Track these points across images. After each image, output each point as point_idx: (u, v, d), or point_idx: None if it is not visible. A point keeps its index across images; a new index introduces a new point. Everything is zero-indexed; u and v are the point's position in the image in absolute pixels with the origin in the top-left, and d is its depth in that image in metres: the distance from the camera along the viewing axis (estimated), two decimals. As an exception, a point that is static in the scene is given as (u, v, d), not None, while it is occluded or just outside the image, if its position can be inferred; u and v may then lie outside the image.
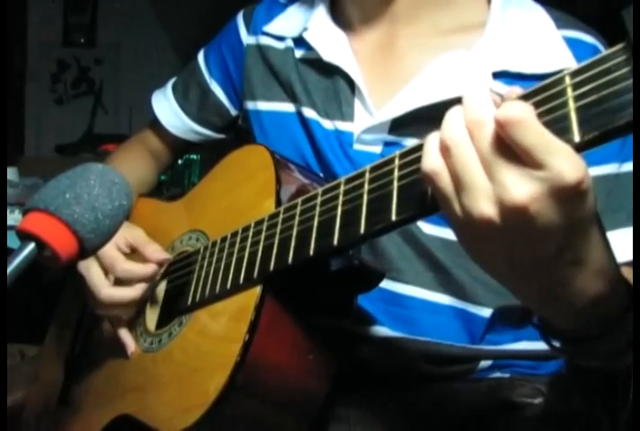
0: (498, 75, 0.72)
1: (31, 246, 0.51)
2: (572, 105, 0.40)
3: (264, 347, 0.61)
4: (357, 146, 0.77)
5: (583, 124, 0.39)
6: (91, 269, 0.79)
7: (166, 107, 0.99)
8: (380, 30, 0.81)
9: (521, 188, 0.39)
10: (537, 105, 0.41)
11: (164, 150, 1.04)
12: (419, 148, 0.49)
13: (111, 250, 0.78)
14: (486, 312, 0.76)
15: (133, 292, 0.77)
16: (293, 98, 0.84)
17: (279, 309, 0.63)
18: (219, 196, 0.80)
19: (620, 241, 0.63)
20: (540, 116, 0.40)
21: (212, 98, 0.96)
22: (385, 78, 0.79)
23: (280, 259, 0.61)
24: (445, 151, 0.42)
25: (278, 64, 0.86)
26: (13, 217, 1.64)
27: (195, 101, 0.97)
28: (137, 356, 0.78)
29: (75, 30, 3.18)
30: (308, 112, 0.81)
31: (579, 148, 0.39)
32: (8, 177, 1.87)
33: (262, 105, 0.87)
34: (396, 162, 0.51)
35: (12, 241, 0.59)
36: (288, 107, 0.85)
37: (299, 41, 0.84)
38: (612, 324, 0.50)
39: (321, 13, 0.84)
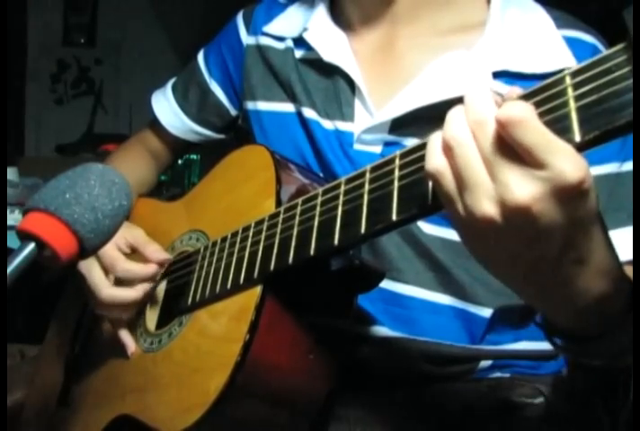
0: (498, 75, 0.72)
1: (31, 246, 0.51)
2: (572, 105, 0.40)
3: (265, 346, 0.61)
4: (357, 146, 0.77)
5: (584, 124, 0.39)
6: (91, 269, 0.79)
7: (166, 107, 0.99)
8: (380, 31, 0.81)
9: (523, 188, 0.39)
10: (537, 105, 0.41)
11: (163, 150, 1.04)
12: (419, 148, 0.49)
13: (111, 250, 0.78)
14: (486, 312, 0.76)
15: (134, 292, 0.77)
16: (293, 98, 0.84)
17: (279, 309, 0.63)
18: (219, 196, 0.80)
19: (622, 241, 0.63)
20: (541, 116, 0.40)
21: (212, 98, 0.96)
22: (385, 78, 0.79)
23: (280, 258, 0.61)
24: (448, 150, 0.42)
25: (278, 64, 0.86)
26: (13, 217, 1.64)
27: (195, 101, 0.97)
28: (137, 357, 0.78)
29: (75, 30, 3.18)
30: (308, 112, 0.81)
31: (579, 148, 0.39)
32: (8, 177, 1.87)
33: (262, 105, 0.87)
34: (397, 161, 0.51)
35: (12, 241, 0.59)
36: (288, 107, 0.85)
37: (299, 41, 0.84)
38: (616, 323, 0.50)
39: (321, 13, 0.84)
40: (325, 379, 0.66)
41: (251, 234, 0.66)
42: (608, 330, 0.50)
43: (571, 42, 0.73)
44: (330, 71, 0.80)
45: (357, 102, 0.78)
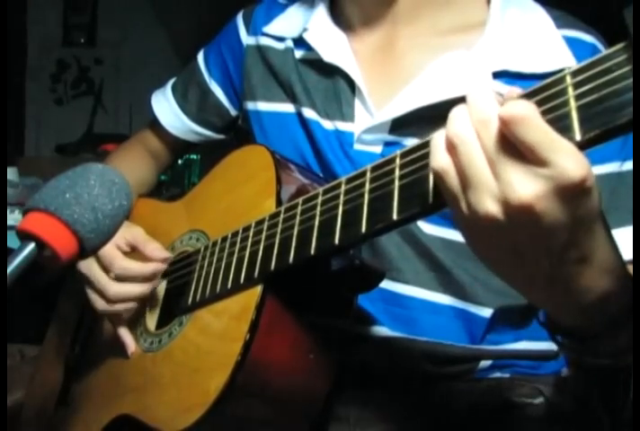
0: (498, 75, 0.73)
1: (31, 246, 0.51)
2: (573, 104, 0.40)
3: (265, 346, 0.61)
4: (357, 146, 0.77)
5: (584, 123, 0.39)
6: (92, 269, 0.79)
7: (166, 107, 0.99)
8: (380, 31, 0.81)
9: (526, 186, 0.39)
10: (538, 104, 0.41)
11: (163, 150, 1.04)
12: (420, 147, 0.49)
13: (109, 249, 0.78)
14: (487, 312, 0.76)
15: (141, 288, 0.77)
16: (293, 98, 0.84)
17: (279, 308, 0.63)
18: (220, 196, 0.80)
19: (624, 240, 0.63)
20: (541, 115, 0.40)
21: (212, 98, 0.96)
22: (385, 78, 0.79)
23: (280, 258, 0.61)
24: (451, 148, 0.42)
25: (278, 64, 0.86)
26: (13, 217, 1.64)
27: (195, 101, 0.97)
28: (137, 356, 0.78)
29: (75, 30, 3.18)
30: (308, 113, 0.81)
31: (580, 147, 0.39)
32: (8, 177, 1.87)
33: (262, 105, 0.87)
34: (397, 161, 0.51)
35: (12, 241, 0.59)
36: (288, 107, 0.85)
37: (299, 42, 0.84)
38: (619, 321, 0.50)
39: (321, 13, 0.84)
40: (325, 379, 0.66)
41: (251, 234, 0.66)
42: (612, 329, 0.50)
43: (571, 42, 0.73)
44: (330, 71, 0.80)
45: (357, 102, 0.78)
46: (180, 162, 2.11)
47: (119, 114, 3.20)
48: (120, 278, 0.78)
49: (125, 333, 0.80)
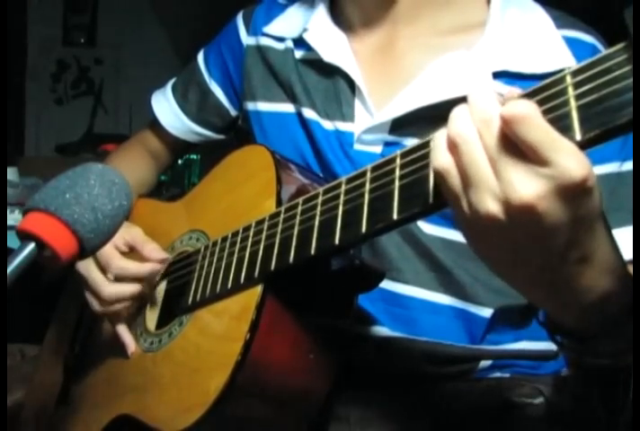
0: (498, 75, 0.73)
1: (31, 246, 0.51)
2: (573, 104, 0.40)
3: (265, 346, 0.61)
4: (357, 147, 0.77)
5: (584, 122, 0.39)
6: (89, 269, 0.79)
7: (166, 107, 0.99)
8: (380, 31, 0.81)
9: (528, 185, 0.39)
10: (538, 104, 0.41)
11: (163, 150, 1.04)
12: (420, 147, 0.49)
13: (107, 249, 0.78)
14: (487, 312, 0.76)
15: (134, 287, 0.78)
16: (293, 98, 0.84)
17: (279, 308, 0.63)
18: (220, 196, 0.80)
19: (623, 240, 0.64)
20: (542, 114, 0.40)
21: (212, 98, 0.96)
22: (385, 78, 0.79)
23: (281, 258, 0.61)
24: (453, 147, 0.42)
25: (278, 64, 0.86)
26: (13, 217, 1.64)
27: (195, 101, 0.97)
28: (137, 356, 0.78)
29: (75, 30, 3.18)
30: (308, 113, 0.81)
31: (580, 147, 0.40)
32: (8, 177, 1.87)
33: (263, 106, 0.87)
34: (398, 161, 0.51)
35: (12, 241, 0.59)
36: (289, 107, 0.85)
37: (299, 42, 0.84)
38: (620, 321, 0.50)
39: (321, 13, 0.84)
40: (326, 379, 0.66)
41: (251, 234, 0.66)
42: (612, 329, 0.50)
43: (570, 42, 0.73)
44: (330, 71, 0.80)
45: (357, 103, 0.78)
46: (180, 162, 2.10)
47: (119, 114, 3.20)
48: (118, 278, 0.78)
49: (125, 333, 0.80)
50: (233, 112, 0.96)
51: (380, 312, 0.76)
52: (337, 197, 0.56)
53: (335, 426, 0.74)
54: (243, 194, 0.75)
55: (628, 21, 0.38)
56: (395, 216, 0.49)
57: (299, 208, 0.61)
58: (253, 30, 0.91)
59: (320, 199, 0.59)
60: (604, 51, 0.40)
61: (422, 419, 0.75)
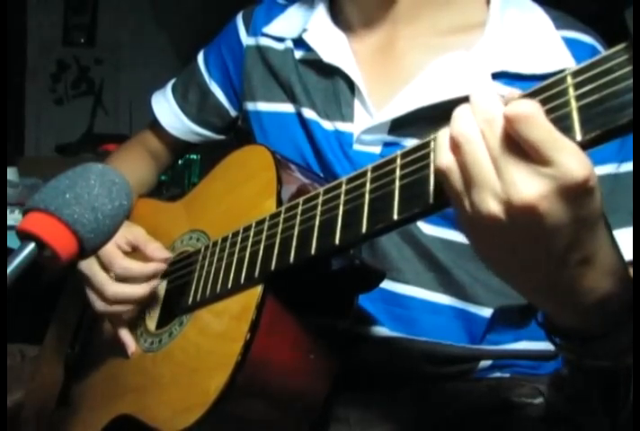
0: (497, 76, 0.72)
1: (31, 246, 0.51)
2: (573, 104, 0.40)
3: (265, 346, 0.61)
4: (356, 147, 0.77)
5: (585, 123, 0.39)
6: (92, 268, 0.79)
7: (166, 108, 0.99)
8: (380, 31, 0.81)
9: (530, 186, 0.39)
10: (539, 104, 0.41)
11: (163, 151, 1.04)
12: (420, 148, 0.49)
13: (110, 248, 0.78)
14: (486, 312, 0.76)
15: (140, 289, 0.77)
16: (293, 99, 0.84)
17: (280, 308, 0.63)
18: (220, 196, 0.80)
19: (621, 241, 0.64)
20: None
21: (212, 99, 0.96)
22: (385, 79, 0.79)
23: (281, 258, 0.61)
24: (455, 147, 0.42)
25: (277, 65, 0.86)
26: (13, 217, 1.64)
27: (195, 102, 0.97)
28: (137, 356, 0.78)
29: (75, 30, 3.18)
30: (308, 113, 0.81)
31: (581, 147, 0.40)
32: (8, 177, 1.87)
33: (262, 106, 0.87)
34: (398, 161, 0.51)
35: (12, 241, 0.59)
36: (288, 108, 0.85)
37: (299, 42, 0.84)
38: (622, 320, 0.50)
39: (320, 13, 0.84)
40: (325, 379, 0.66)
41: (252, 234, 0.66)
42: (612, 330, 0.50)
43: (570, 43, 0.73)
44: (330, 72, 0.80)
45: (356, 103, 0.78)
46: (180, 162, 2.10)
47: (119, 114, 3.20)
48: (121, 278, 0.78)
49: (125, 333, 0.80)
50: (233, 113, 0.96)
51: (380, 312, 0.76)
52: (337, 197, 0.56)
53: (335, 427, 0.74)
54: (243, 194, 0.75)
55: (629, 21, 0.38)
56: (395, 216, 0.49)
57: (300, 208, 0.61)
58: (253, 30, 0.91)
59: (320, 199, 0.59)
60: (605, 52, 0.40)
61: (421, 419, 0.75)
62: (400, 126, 0.75)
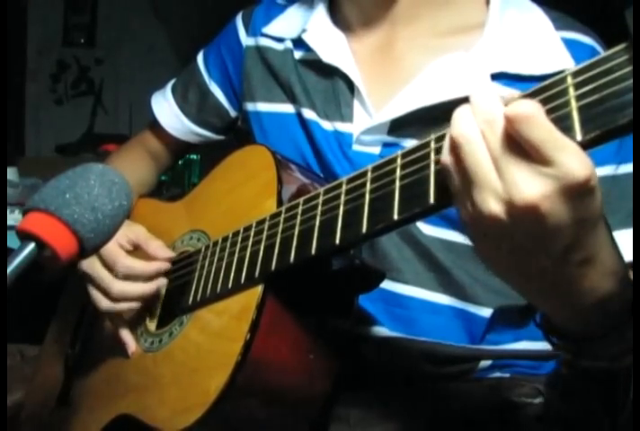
0: (496, 77, 0.72)
1: (31, 246, 0.51)
2: (574, 104, 0.40)
3: (265, 346, 0.61)
4: (356, 147, 0.77)
5: (585, 123, 0.39)
6: (95, 267, 0.79)
7: (166, 108, 0.99)
8: (379, 31, 0.81)
9: (531, 186, 0.39)
10: (539, 104, 0.41)
11: (163, 151, 1.04)
12: (421, 148, 0.49)
13: (112, 247, 0.78)
14: (486, 312, 0.76)
15: (147, 287, 0.77)
16: (293, 99, 0.84)
17: (280, 308, 0.63)
18: (220, 196, 0.80)
19: (620, 243, 0.64)
20: None
21: (211, 99, 0.96)
22: (384, 79, 0.79)
23: (281, 258, 0.61)
24: (455, 148, 0.43)
25: (277, 65, 0.86)
26: (13, 217, 1.64)
27: (194, 102, 0.97)
28: (137, 356, 0.78)
29: (75, 30, 3.18)
30: (308, 113, 0.81)
31: (581, 147, 0.40)
32: (8, 177, 1.87)
33: (262, 106, 0.87)
34: (398, 161, 0.51)
35: (12, 241, 0.59)
36: (288, 108, 0.85)
37: (298, 42, 0.84)
38: (621, 323, 0.50)
39: (320, 14, 0.84)
40: (326, 379, 0.66)
41: (252, 234, 0.66)
42: (611, 331, 0.50)
43: (569, 44, 0.73)
44: (329, 72, 0.80)
45: (356, 103, 0.78)
46: (180, 162, 2.10)
47: (119, 114, 3.21)
48: (124, 277, 0.78)
49: (125, 333, 0.80)
50: (232, 113, 0.96)
51: (380, 311, 0.76)
52: (338, 197, 0.56)
53: (336, 427, 0.74)
54: (243, 194, 0.75)
55: (628, 21, 0.38)
56: (395, 216, 0.49)
57: (300, 208, 0.61)
58: (253, 30, 0.91)
59: (321, 199, 0.59)
60: (605, 52, 0.40)
61: (422, 419, 0.75)
62: (399, 126, 0.75)
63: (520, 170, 0.40)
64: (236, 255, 0.67)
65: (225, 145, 0.99)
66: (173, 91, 1.00)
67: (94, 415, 0.80)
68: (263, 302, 0.62)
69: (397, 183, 0.50)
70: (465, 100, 0.44)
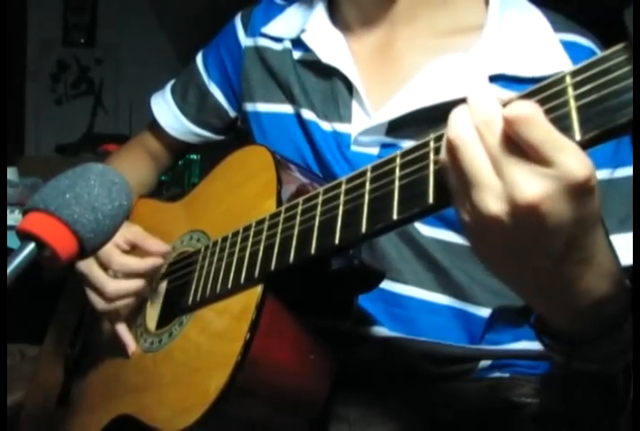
0: (494, 78, 0.72)
1: (31, 246, 0.51)
2: (572, 104, 0.40)
3: (265, 346, 0.61)
4: (354, 148, 0.77)
5: (584, 123, 0.39)
6: (91, 268, 0.79)
7: (165, 109, 0.99)
8: (379, 31, 0.81)
9: (532, 185, 0.39)
10: (538, 104, 0.41)
11: (163, 152, 1.04)
12: (420, 147, 0.49)
13: (108, 247, 0.78)
14: (485, 312, 0.76)
15: (136, 283, 0.78)
16: (292, 99, 0.84)
17: (279, 308, 0.63)
18: (220, 196, 0.80)
19: (616, 247, 0.63)
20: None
21: (211, 99, 0.96)
22: (383, 79, 0.79)
23: (281, 258, 0.61)
24: (451, 150, 0.42)
25: (276, 65, 0.86)
26: (13, 217, 1.64)
27: (194, 102, 0.97)
28: (137, 356, 0.78)
29: (75, 30, 3.18)
30: (307, 114, 0.81)
31: (580, 147, 0.40)
32: (8, 177, 1.87)
33: (261, 107, 0.87)
34: (398, 161, 0.51)
35: (12, 241, 0.59)
36: (287, 108, 0.84)
37: (297, 43, 0.84)
38: (614, 326, 0.50)
39: (319, 14, 0.84)
40: (325, 379, 0.66)
41: (252, 234, 0.66)
42: (604, 334, 0.50)
43: (568, 46, 0.73)
44: (328, 72, 0.80)
45: (354, 104, 0.78)
46: (180, 162, 2.10)
47: (119, 114, 3.21)
48: (120, 275, 0.78)
49: (125, 333, 0.80)
50: (232, 113, 0.96)
51: (380, 311, 0.76)
52: (337, 197, 0.56)
53: (335, 426, 0.74)
54: (243, 194, 0.75)
55: (628, 21, 0.38)
56: (394, 216, 0.49)
57: (299, 208, 0.61)
58: (252, 30, 0.90)
59: (320, 199, 0.59)
60: (604, 52, 0.40)
61: (422, 419, 0.75)
62: (397, 127, 0.75)
63: (521, 170, 0.40)
64: (236, 255, 0.67)
65: (225, 145, 0.99)
66: (173, 91, 1.00)
67: (94, 415, 0.80)
68: (263, 302, 0.62)
69: (397, 183, 0.50)
70: (463, 101, 0.44)
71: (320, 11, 0.84)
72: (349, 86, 0.79)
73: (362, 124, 0.76)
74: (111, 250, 0.79)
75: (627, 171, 0.70)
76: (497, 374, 0.78)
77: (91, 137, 3.07)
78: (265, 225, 0.65)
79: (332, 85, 0.80)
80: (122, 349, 0.79)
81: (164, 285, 0.82)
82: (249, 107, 0.89)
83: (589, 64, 0.40)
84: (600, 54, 0.40)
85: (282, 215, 0.63)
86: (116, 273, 0.78)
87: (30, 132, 3.15)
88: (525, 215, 0.40)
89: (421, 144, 0.49)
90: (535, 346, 0.78)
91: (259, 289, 0.62)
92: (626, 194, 0.69)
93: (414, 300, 0.76)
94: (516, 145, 0.40)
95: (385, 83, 0.78)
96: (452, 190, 0.44)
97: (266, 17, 0.90)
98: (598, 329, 0.50)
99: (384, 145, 0.76)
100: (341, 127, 0.78)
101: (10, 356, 1.22)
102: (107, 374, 0.83)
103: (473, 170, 0.41)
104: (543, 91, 0.41)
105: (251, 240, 0.66)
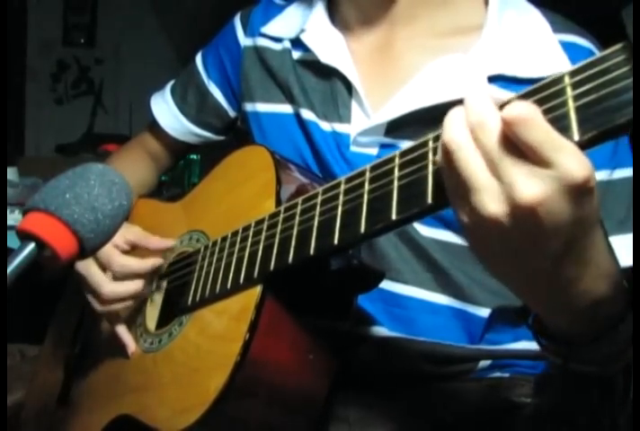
0: (493, 79, 0.72)
1: (31, 246, 0.51)
2: (571, 104, 0.40)
3: (264, 346, 0.61)
4: (353, 148, 0.77)
5: (583, 123, 0.39)
6: (89, 268, 0.79)
7: (165, 109, 0.99)
8: (378, 31, 0.81)
9: (531, 186, 0.39)
10: (536, 104, 0.41)
11: (163, 152, 1.04)
12: (418, 147, 0.49)
13: (107, 248, 0.78)
14: (484, 312, 0.76)
15: (135, 285, 0.78)
16: (291, 99, 0.84)
17: (279, 309, 0.63)
18: (220, 196, 0.80)
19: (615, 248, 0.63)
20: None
21: (210, 100, 0.96)
22: (382, 79, 0.79)
23: (280, 258, 0.61)
24: (447, 154, 0.42)
25: (275, 65, 0.86)
26: (13, 217, 1.64)
27: (194, 103, 0.97)
28: (137, 357, 0.78)
29: (74, 30, 3.18)
30: (306, 114, 0.81)
31: (579, 147, 0.39)
32: (8, 177, 1.87)
33: (261, 107, 0.87)
34: (397, 161, 0.51)
35: (12, 241, 0.59)
36: (287, 108, 0.84)
37: (297, 43, 0.84)
38: (611, 327, 0.50)
39: (318, 14, 0.84)
40: (325, 379, 0.66)
41: (251, 234, 0.66)
42: (602, 336, 0.50)
43: (567, 46, 0.73)
44: (327, 72, 0.80)
45: (354, 104, 0.78)
46: (180, 162, 2.11)
47: (119, 114, 3.21)
48: (119, 276, 0.78)
49: (124, 333, 0.80)
50: (232, 113, 0.96)
51: (379, 312, 0.76)
52: (336, 197, 0.56)
53: (335, 426, 0.74)
54: (242, 194, 0.75)
55: (626, 20, 0.38)
56: (393, 217, 0.49)
57: (299, 208, 0.61)
58: (251, 30, 0.91)
59: (319, 199, 0.59)
60: (602, 52, 0.40)
61: (421, 419, 0.75)
62: (396, 127, 0.75)
63: (519, 171, 0.40)
64: (235, 255, 0.67)
65: (225, 145, 0.99)
66: (173, 92, 1.00)
67: (94, 415, 0.80)
68: (262, 302, 0.62)
69: (395, 183, 0.50)
70: (462, 101, 0.44)
71: (319, 11, 0.84)
72: (348, 86, 0.79)
73: (361, 124, 0.76)
74: (110, 251, 0.79)
75: (626, 172, 0.70)
76: (497, 374, 0.78)
77: (91, 137, 3.06)
78: (264, 225, 0.65)
79: (331, 85, 0.80)
80: (122, 349, 0.80)
81: (163, 286, 0.82)
82: (248, 107, 0.89)
83: (588, 64, 0.40)
84: (600, 53, 0.40)
85: (281, 215, 0.63)
86: (116, 274, 0.78)
87: (30, 132, 3.14)
88: (524, 216, 0.40)
89: (419, 144, 0.49)
90: (534, 346, 0.78)
91: (258, 289, 0.62)
92: (624, 195, 0.69)
93: (414, 300, 0.76)
94: (514, 145, 0.40)
95: (384, 83, 0.78)
96: (450, 192, 0.44)
97: (265, 17, 0.90)
98: (595, 331, 0.50)
99: (383, 146, 0.76)
100: (340, 127, 0.78)
101: (10, 356, 1.22)
102: (107, 375, 0.83)
103: (469, 172, 0.41)
104: (541, 91, 0.41)
105: (250, 240, 0.66)
